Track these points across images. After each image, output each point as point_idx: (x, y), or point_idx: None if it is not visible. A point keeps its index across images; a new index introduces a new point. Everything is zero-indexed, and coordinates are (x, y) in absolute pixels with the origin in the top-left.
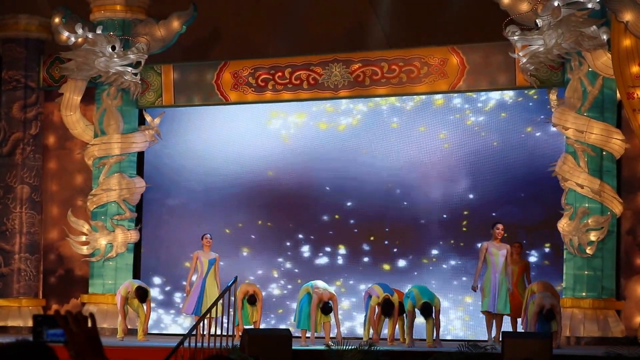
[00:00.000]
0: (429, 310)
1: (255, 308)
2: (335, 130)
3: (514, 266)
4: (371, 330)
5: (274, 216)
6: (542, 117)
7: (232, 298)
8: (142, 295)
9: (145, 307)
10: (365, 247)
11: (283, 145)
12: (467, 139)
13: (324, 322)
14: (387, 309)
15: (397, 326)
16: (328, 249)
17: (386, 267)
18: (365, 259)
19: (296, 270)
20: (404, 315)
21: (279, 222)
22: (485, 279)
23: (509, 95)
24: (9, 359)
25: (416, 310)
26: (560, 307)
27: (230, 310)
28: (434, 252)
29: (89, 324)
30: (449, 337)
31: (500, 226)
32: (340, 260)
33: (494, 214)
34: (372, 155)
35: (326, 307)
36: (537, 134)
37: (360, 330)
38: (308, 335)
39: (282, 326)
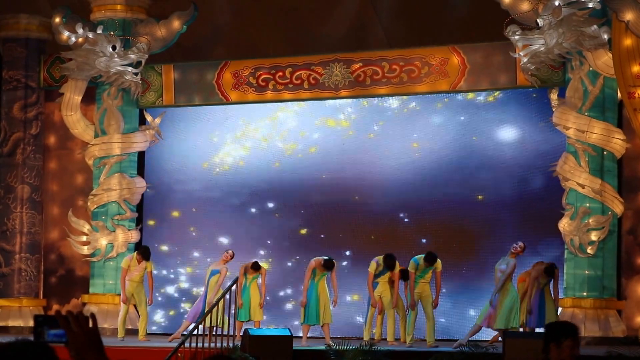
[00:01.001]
0: (434, 257)
1: (258, 284)
2: (334, 130)
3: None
4: (372, 331)
5: (275, 215)
6: (541, 123)
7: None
8: (144, 253)
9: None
10: (369, 247)
11: (284, 145)
12: (465, 138)
13: (323, 325)
14: (389, 261)
15: (397, 325)
16: (334, 249)
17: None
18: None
19: (300, 269)
20: (406, 313)
21: (280, 222)
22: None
23: (505, 93)
24: (9, 359)
25: (420, 303)
26: (559, 273)
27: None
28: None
29: (90, 324)
30: (449, 337)
31: (520, 244)
32: (346, 258)
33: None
34: (371, 155)
35: (328, 263)
36: (537, 133)
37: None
38: (309, 335)
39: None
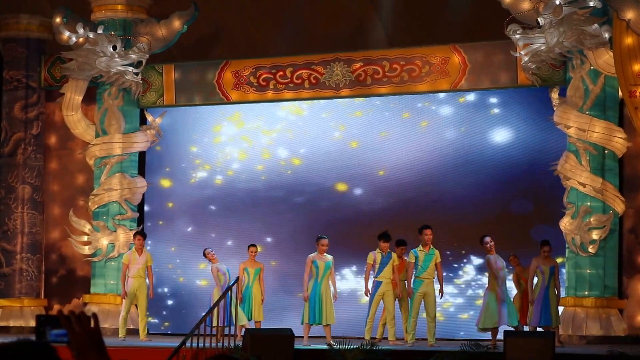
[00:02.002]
0: (425, 225)
1: (258, 279)
2: (333, 127)
3: (522, 275)
4: (373, 330)
5: (276, 215)
6: (549, 117)
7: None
8: (143, 232)
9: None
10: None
11: (285, 143)
12: (467, 136)
13: (324, 326)
14: (384, 235)
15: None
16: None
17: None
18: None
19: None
20: (409, 311)
21: (282, 221)
22: (488, 295)
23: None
24: (11, 359)
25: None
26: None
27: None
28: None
29: (92, 324)
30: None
31: (487, 239)
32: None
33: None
34: (374, 154)
35: (321, 236)
36: (539, 132)
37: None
38: (310, 335)
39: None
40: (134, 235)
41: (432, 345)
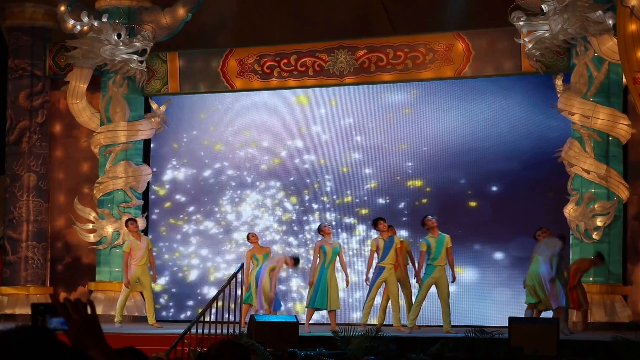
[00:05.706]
0: (423, 219)
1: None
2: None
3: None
4: (370, 316)
5: (278, 203)
6: (552, 104)
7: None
8: (134, 219)
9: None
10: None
11: (288, 132)
12: (471, 125)
13: (329, 312)
14: (380, 217)
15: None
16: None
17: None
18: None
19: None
20: (416, 297)
21: (287, 208)
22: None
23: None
24: (12, 345)
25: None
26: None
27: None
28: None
29: (89, 311)
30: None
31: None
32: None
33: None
34: (379, 141)
35: (323, 226)
36: (543, 119)
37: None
38: (312, 322)
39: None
40: (126, 222)
41: (448, 331)
